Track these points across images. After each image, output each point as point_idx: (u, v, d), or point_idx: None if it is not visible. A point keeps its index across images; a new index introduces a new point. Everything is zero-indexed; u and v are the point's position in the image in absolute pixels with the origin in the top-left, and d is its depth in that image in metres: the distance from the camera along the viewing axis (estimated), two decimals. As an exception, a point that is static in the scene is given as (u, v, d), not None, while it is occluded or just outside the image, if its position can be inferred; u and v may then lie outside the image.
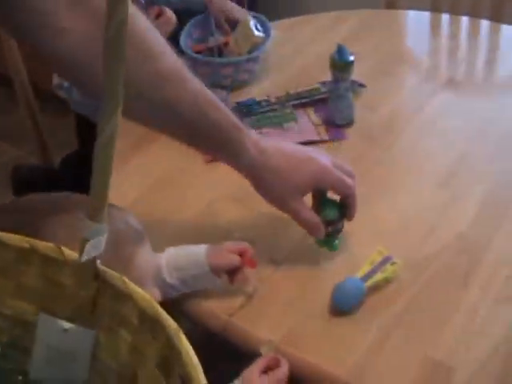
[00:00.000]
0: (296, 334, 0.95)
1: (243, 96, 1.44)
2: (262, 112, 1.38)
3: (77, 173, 1.09)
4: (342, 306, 0.97)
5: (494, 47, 1.65)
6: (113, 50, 0.49)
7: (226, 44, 1.48)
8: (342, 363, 0.91)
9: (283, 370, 0.89)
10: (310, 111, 1.38)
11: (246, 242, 0.99)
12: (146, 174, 1.24)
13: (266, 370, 0.89)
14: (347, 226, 1.07)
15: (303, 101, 1.40)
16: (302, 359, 0.92)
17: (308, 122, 1.36)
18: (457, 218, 1.12)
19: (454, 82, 1.48)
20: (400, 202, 1.16)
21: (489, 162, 1.24)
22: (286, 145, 1.03)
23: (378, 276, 1.00)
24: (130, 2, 0.49)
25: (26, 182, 1.79)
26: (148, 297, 0.56)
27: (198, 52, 1.48)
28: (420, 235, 1.09)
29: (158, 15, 1.39)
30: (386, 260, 1.01)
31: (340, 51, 1.27)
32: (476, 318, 0.96)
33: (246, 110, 1.39)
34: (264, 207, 1.07)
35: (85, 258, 0.56)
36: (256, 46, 1.45)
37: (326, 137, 1.31)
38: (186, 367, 0.50)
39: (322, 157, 1.01)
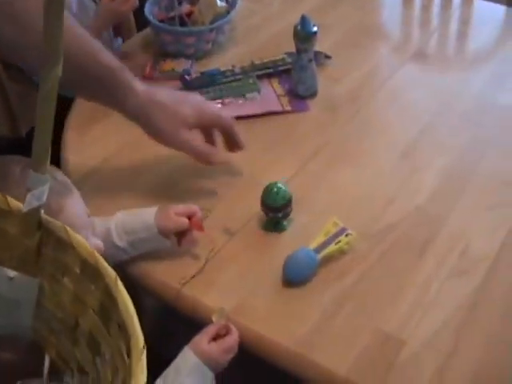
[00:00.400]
0: (247, 305, 0.94)
1: (209, 66, 1.42)
2: (225, 82, 1.36)
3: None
4: (294, 277, 0.96)
5: (465, 21, 1.64)
6: (52, 8, 0.50)
7: (191, 14, 1.45)
8: (292, 334, 0.90)
9: (233, 338, 0.89)
10: (274, 82, 1.37)
11: (195, 206, 0.98)
12: (105, 145, 1.21)
13: (216, 338, 0.88)
14: (303, 195, 1.06)
15: (268, 71, 1.38)
16: (250, 329, 0.91)
17: (271, 92, 1.34)
18: (416, 190, 1.11)
19: (423, 54, 1.47)
20: (359, 173, 1.14)
21: (451, 135, 1.23)
22: (165, 88, 1.12)
23: (332, 247, 0.98)
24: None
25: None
26: (89, 247, 0.57)
27: (161, 20, 1.45)
28: (378, 206, 1.08)
29: None
30: (340, 231, 1.00)
31: (303, 22, 1.24)
32: (429, 291, 0.94)
33: (209, 79, 1.36)
34: (221, 177, 1.06)
35: (27, 207, 0.58)
36: (219, 16, 1.43)
37: (288, 108, 1.29)
38: (122, 315, 0.52)
39: (198, 97, 1.11)
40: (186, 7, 1.48)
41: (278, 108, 1.29)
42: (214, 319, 0.90)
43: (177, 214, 0.96)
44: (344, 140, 1.22)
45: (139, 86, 1.03)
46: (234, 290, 0.96)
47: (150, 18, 1.42)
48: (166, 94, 1.05)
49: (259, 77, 1.37)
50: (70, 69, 0.95)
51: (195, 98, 1.09)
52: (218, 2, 1.42)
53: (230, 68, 1.39)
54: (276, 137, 1.24)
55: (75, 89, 1.07)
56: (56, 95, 0.53)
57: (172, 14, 1.46)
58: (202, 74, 1.39)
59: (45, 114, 0.54)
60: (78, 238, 0.57)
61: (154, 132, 1.04)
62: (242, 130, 1.13)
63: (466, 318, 0.91)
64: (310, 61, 1.28)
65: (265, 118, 1.28)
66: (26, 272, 0.60)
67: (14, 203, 0.59)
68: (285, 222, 1.03)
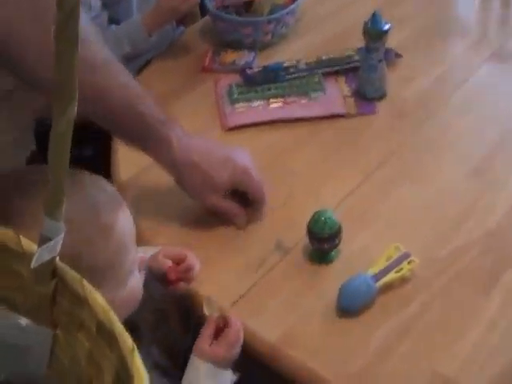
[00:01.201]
0: (295, 334, 0.88)
1: (271, 58, 1.35)
2: (288, 80, 1.28)
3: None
4: (349, 306, 0.89)
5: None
6: (65, 37, 0.44)
7: (251, 3, 1.38)
8: (342, 369, 0.84)
9: (234, 330, 0.84)
10: (341, 81, 1.29)
11: (190, 253, 0.92)
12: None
13: (217, 332, 0.84)
14: (363, 212, 0.99)
15: (334, 68, 1.30)
16: (298, 361, 0.85)
17: (337, 92, 1.26)
18: (488, 212, 1.02)
19: (503, 54, 1.36)
20: (425, 189, 1.06)
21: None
22: (208, 143, 1.03)
23: (393, 275, 0.91)
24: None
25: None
26: (106, 306, 0.51)
27: (220, 7, 1.40)
28: (444, 230, 1.00)
29: None
30: (403, 257, 0.92)
31: (374, 18, 1.16)
32: (494, 331, 0.86)
33: (272, 75, 1.29)
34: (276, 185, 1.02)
35: (38, 262, 0.52)
36: (279, 7, 1.37)
37: (353, 110, 1.22)
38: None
39: (243, 158, 1.01)
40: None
41: (343, 111, 1.21)
42: (207, 313, 0.86)
43: (165, 255, 0.90)
44: (411, 150, 1.13)
45: (176, 141, 0.97)
46: (282, 316, 0.90)
47: (208, 4, 1.37)
48: (205, 154, 0.99)
49: (324, 74, 1.29)
50: (107, 117, 0.94)
51: (237, 165, 1.00)
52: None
53: (294, 63, 1.32)
54: (338, 142, 1.16)
55: (111, 131, 1.05)
56: (70, 136, 0.48)
57: (226, 2, 1.39)
58: (264, 68, 1.32)
59: (58, 157, 0.49)
60: (95, 295, 0.51)
61: (185, 189, 1.01)
62: (303, 131, 1.11)
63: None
64: (380, 61, 1.20)
65: (328, 120, 1.20)
66: (39, 319, 0.55)
67: (28, 245, 0.53)
68: (332, 253, 0.96)
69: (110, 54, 0.94)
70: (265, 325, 0.89)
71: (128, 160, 1.12)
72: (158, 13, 1.35)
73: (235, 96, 1.26)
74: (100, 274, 0.75)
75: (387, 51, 1.26)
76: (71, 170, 0.51)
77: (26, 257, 0.53)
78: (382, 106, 1.22)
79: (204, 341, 0.83)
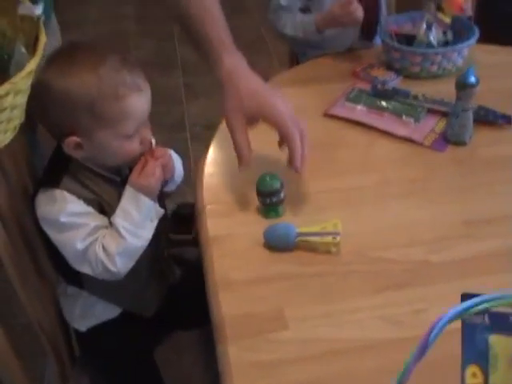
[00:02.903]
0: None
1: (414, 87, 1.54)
2: (398, 100, 1.47)
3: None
4: (269, 242, 1.11)
5: None
6: None
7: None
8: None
9: (152, 162, 1.15)
10: (442, 121, 1.42)
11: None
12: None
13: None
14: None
15: (442, 108, 1.45)
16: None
17: (429, 126, 1.41)
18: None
19: None
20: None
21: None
22: (256, 77, 1.16)
23: (314, 238, 1.10)
24: None
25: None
26: None
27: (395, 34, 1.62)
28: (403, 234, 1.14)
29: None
30: (332, 233, 1.11)
31: (466, 72, 1.30)
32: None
33: (390, 93, 1.49)
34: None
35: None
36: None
37: (427, 142, 1.37)
38: None
39: (282, 103, 1.12)
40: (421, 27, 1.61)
41: (418, 139, 1.37)
42: None
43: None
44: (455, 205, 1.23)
45: (227, 61, 1.15)
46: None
47: (385, 30, 1.62)
48: (245, 78, 1.15)
49: (432, 111, 1.45)
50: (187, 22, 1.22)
51: (271, 94, 1.13)
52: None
53: (421, 94, 1.49)
54: (396, 164, 1.33)
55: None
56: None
57: (399, 30, 1.61)
58: (393, 88, 1.52)
59: None
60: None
61: (223, 102, 1.14)
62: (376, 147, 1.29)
63: None
64: (464, 110, 1.33)
65: (403, 143, 1.38)
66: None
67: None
68: (280, 207, 1.16)
69: None
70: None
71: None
72: (326, 16, 1.65)
73: (351, 96, 1.49)
74: (104, 120, 1.10)
75: (496, 112, 1.39)
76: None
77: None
78: (454, 151, 1.35)
79: (134, 172, 1.15)
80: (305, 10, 1.74)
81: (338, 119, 1.45)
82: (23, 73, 0.94)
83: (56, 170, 1.16)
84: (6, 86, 0.91)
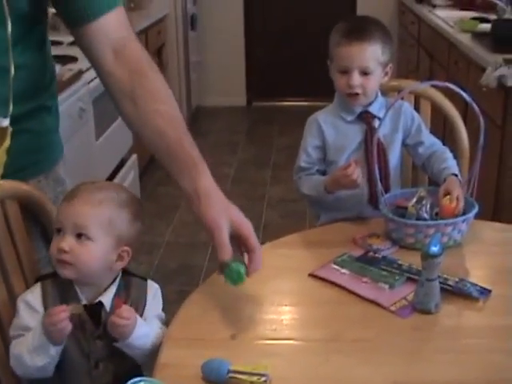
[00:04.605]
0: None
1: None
2: (382, 268, 1.57)
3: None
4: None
5: None
6: None
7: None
8: None
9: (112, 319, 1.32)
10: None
11: None
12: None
13: None
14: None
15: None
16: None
17: (402, 293, 1.49)
18: None
19: None
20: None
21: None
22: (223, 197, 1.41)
23: (244, 377, 1.20)
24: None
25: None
26: None
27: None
28: None
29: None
30: (260, 374, 1.21)
31: (432, 240, 1.39)
32: None
33: (374, 261, 1.60)
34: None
35: None
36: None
37: (393, 308, 1.44)
38: None
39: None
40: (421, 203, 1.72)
41: (386, 304, 1.45)
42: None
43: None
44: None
45: (204, 178, 1.39)
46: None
47: (385, 202, 1.75)
48: (220, 199, 1.39)
49: (414, 280, 1.53)
50: (159, 144, 1.46)
51: (239, 211, 1.40)
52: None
53: (407, 264, 1.58)
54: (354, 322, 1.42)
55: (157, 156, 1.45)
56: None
57: (397, 203, 1.73)
58: (383, 257, 1.62)
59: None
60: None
61: (203, 211, 1.36)
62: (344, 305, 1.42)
63: None
64: (429, 280, 1.40)
65: (372, 306, 1.46)
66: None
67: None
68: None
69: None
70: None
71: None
72: (331, 178, 1.82)
73: (339, 259, 1.61)
74: None
75: (473, 284, 1.46)
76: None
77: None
78: (417, 317, 1.41)
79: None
80: (324, 173, 1.91)
81: (320, 279, 1.56)
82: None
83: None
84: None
